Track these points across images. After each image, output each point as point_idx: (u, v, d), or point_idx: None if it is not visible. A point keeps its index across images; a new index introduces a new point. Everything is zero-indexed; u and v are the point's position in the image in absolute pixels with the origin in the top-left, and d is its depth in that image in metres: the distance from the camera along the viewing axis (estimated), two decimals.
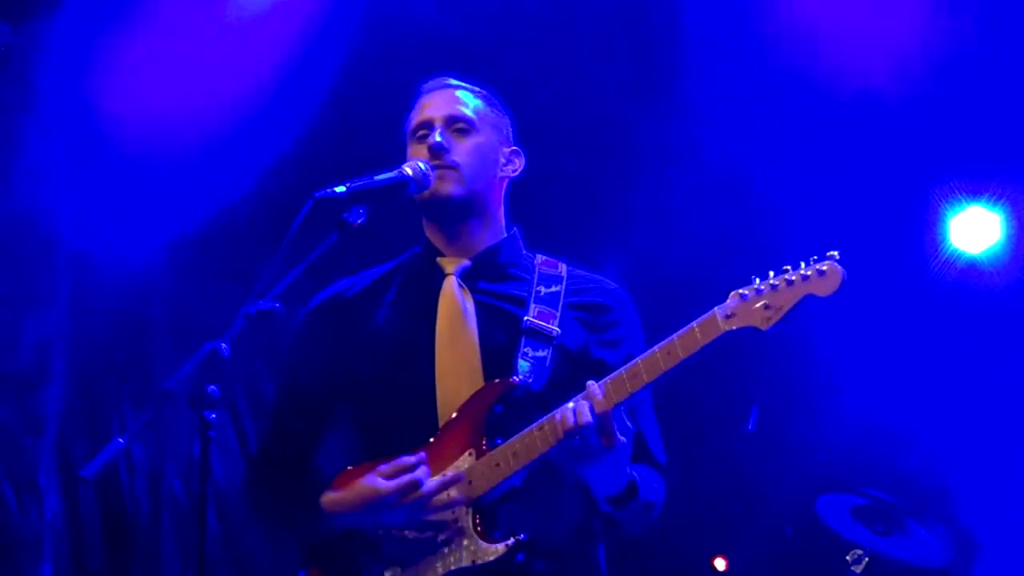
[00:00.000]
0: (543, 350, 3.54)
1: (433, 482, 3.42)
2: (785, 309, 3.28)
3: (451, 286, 3.68)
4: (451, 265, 3.71)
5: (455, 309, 3.63)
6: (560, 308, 3.65)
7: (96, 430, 6.79)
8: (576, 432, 3.30)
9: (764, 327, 3.31)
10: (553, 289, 3.68)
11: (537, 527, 3.44)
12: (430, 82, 3.86)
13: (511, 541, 3.40)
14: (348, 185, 3.39)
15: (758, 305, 3.31)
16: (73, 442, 6.73)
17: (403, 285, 3.79)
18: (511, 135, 3.89)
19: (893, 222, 7.22)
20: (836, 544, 6.31)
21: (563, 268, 3.78)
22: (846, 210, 7.18)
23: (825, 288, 3.24)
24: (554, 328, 3.59)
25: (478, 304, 3.67)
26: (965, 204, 7.14)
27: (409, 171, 3.57)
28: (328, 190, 3.34)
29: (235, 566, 7.18)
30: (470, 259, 3.74)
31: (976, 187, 7.11)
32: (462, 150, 3.69)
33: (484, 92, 3.87)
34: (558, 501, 3.52)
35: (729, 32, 6.77)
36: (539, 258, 3.82)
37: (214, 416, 3.05)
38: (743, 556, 7.83)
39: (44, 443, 6.57)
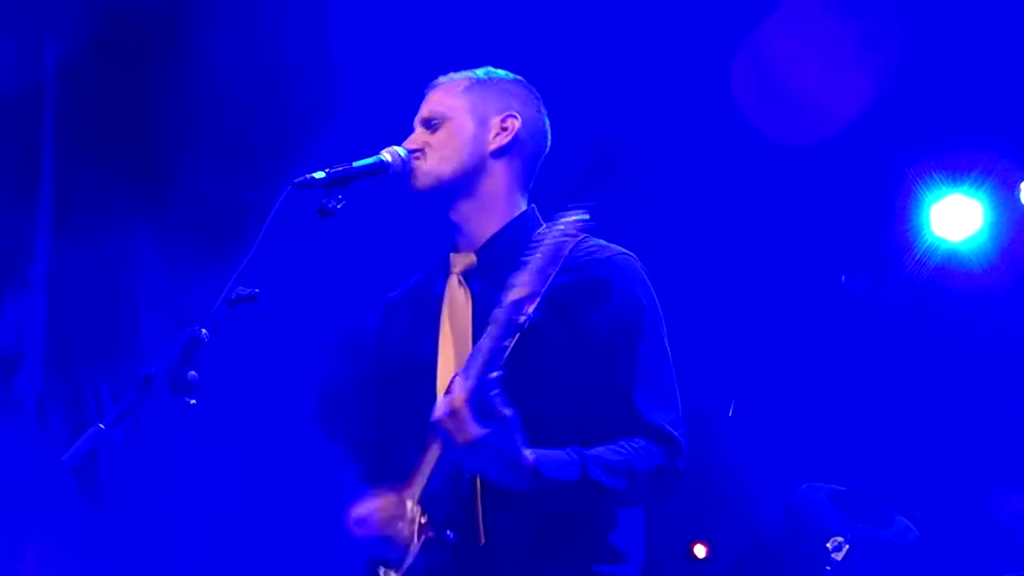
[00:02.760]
0: (507, 339, 3.29)
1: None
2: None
3: (452, 286, 3.58)
4: (460, 262, 3.59)
5: (455, 311, 3.55)
6: (544, 291, 3.34)
7: (76, 416, 6.80)
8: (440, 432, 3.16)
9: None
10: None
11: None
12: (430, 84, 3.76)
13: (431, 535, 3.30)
14: (328, 171, 3.37)
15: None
16: (53, 428, 6.74)
17: (428, 285, 3.68)
18: (512, 103, 3.64)
19: (870, 209, 7.25)
20: (816, 532, 6.33)
21: (570, 244, 3.44)
22: (821, 197, 7.22)
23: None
24: (521, 316, 3.31)
25: (475, 303, 3.52)
26: (946, 191, 7.17)
27: (388, 157, 3.50)
28: (307, 176, 3.33)
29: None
30: (476, 252, 3.59)
31: (957, 173, 7.14)
32: (432, 142, 3.58)
33: (477, 72, 3.69)
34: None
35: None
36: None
37: (194, 402, 3.06)
38: (723, 544, 7.85)
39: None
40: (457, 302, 3.56)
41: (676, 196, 7.23)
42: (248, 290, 3.17)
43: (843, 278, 7.55)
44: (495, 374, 3.12)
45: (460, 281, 3.57)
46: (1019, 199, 7.00)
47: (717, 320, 7.45)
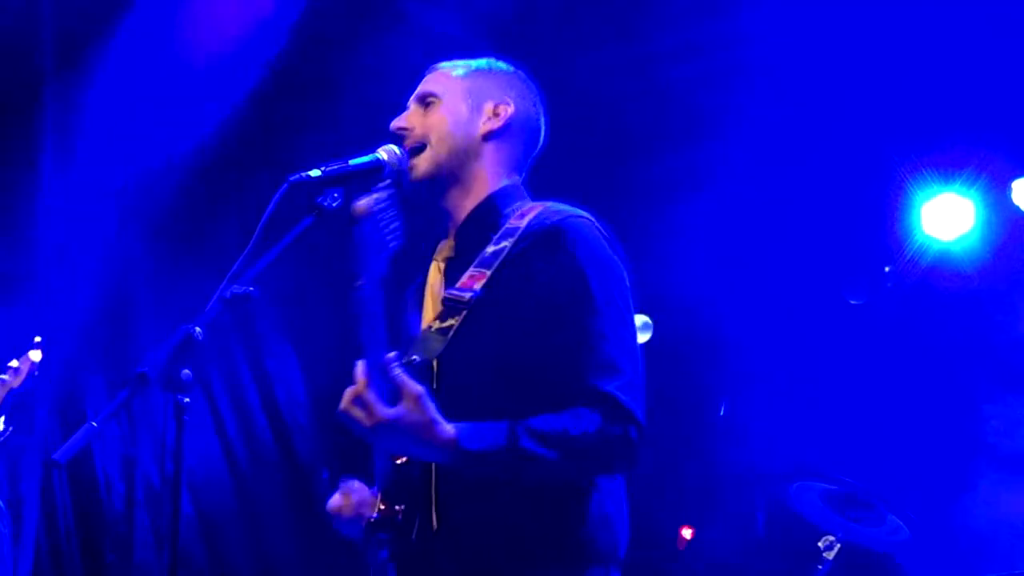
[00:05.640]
0: (453, 318, 3.36)
1: None
2: None
3: (432, 272, 3.61)
4: (443, 248, 3.61)
5: (433, 295, 3.56)
6: (495, 266, 3.41)
7: (71, 414, 6.79)
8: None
9: None
10: (502, 245, 3.43)
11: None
12: None
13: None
14: (323, 169, 3.36)
15: None
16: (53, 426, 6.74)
17: (423, 275, 3.68)
18: (509, 93, 3.65)
19: (862, 209, 7.25)
20: (808, 531, 6.33)
21: (531, 215, 3.49)
22: (815, 197, 7.21)
23: None
24: (468, 293, 3.38)
25: (447, 284, 3.53)
26: (937, 189, 7.15)
27: (384, 155, 3.50)
28: (302, 174, 3.31)
29: (208, 549, 7.19)
30: (455, 234, 3.59)
31: (948, 171, 7.11)
32: (427, 124, 3.58)
33: (479, 62, 3.70)
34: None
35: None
36: (523, 208, 3.54)
37: (188, 400, 3.05)
38: (715, 543, 7.84)
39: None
40: (435, 287, 3.57)
41: (672, 198, 7.23)
42: (243, 288, 3.16)
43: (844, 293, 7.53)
44: (391, 354, 3.11)
45: (439, 267, 3.59)
46: (1010, 198, 6.99)
47: (711, 320, 7.44)
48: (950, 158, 7.05)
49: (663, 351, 7.07)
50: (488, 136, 3.60)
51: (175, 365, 3.04)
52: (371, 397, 3.09)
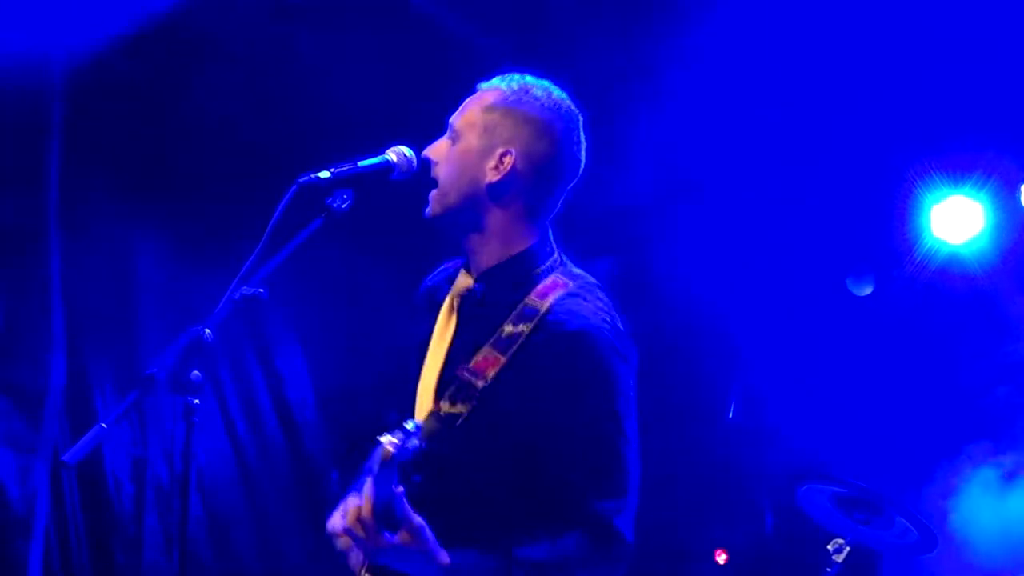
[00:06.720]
0: (463, 404, 3.33)
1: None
2: None
3: (445, 310, 3.55)
4: (461, 284, 3.53)
5: (440, 336, 3.53)
6: (511, 354, 3.33)
7: (82, 415, 6.80)
8: None
9: None
10: (519, 329, 3.34)
11: None
12: None
13: None
14: (332, 170, 3.36)
15: None
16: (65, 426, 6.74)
17: (442, 291, 3.63)
18: (521, 136, 3.45)
19: (871, 211, 7.24)
20: (816, 533, 6.32)
21: (551, 299, 3.38)
22: (823, 198, 7.21)
23: None
24: (481, 381, 3.33)
25: (457, 333, 3.49)
26: (947, 192, 7.13)
27: (393, 157, 3.49)
28: (311, 175, 3.32)
29: (218, 550, 7.19)
30: (475, 280, 3.51)
31: (958, 174, 7.10)
32: (446, 160, 3.49)
33: (512, 86, 3.51)
34: None
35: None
36: (546, 282, 3.43)
37: (197, 402, 3.06)
38: (724, 545, 7.84)
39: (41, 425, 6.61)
40: (444, 328, 3.54)
41: (677, 198, 7.23)
42: (253, 290, 3.17)
43: (848, 281, 7.54)
44: (400, 488, 3.09)
45: (453, 306, 3.54)
46: (1020, 201, 6.98)
47: (719, 321, 7.44)
48: (959, 161, 7.03)
49: (673, 353, 7.09)
50: (494, 190, 3.46)
51: (184, 367, 3.05)
52: (372, 523, 3.10)
